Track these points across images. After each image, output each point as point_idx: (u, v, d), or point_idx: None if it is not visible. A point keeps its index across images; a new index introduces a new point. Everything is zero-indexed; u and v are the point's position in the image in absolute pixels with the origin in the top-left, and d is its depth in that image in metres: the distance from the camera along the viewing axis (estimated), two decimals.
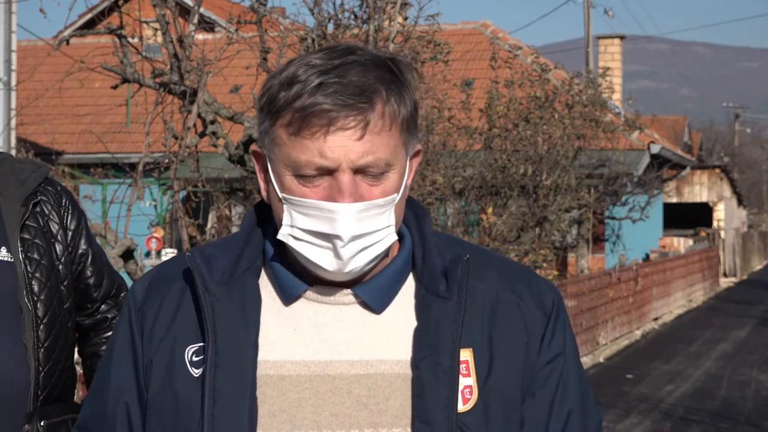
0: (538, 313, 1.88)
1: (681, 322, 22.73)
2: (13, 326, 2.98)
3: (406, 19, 10.27)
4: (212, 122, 9.15)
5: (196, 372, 1.81)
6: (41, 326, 3.00)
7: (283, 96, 1.76)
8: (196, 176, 9.13)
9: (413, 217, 1.90)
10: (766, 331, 20.57)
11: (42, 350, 2.98)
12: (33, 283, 3.02)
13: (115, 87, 9.58)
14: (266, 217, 1.90)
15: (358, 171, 1.75)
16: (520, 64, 17.17)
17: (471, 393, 1.80)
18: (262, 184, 1.87)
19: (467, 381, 1.80)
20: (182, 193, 9.40)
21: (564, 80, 16.79)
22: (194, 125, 8.78)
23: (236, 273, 1.85)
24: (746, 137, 75.83)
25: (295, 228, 1.78)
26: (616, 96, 25.99)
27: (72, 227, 3.20)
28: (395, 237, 1.81)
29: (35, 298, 3.01)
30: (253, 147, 1.87)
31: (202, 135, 9.20)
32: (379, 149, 1.75)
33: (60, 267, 3.13)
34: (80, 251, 3.21)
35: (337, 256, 1.76)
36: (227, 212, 11.77)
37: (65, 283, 3.14)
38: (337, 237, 1.74)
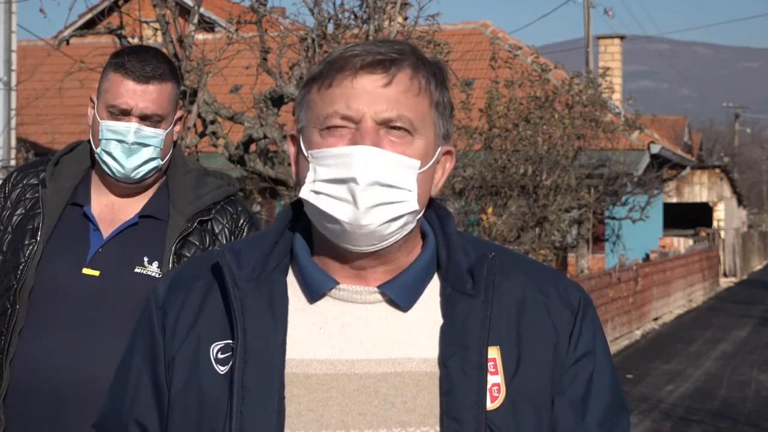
0: (565, 312, 1.88)
1: (681, 322, 22.73)
2: None
3: (406, 19, 10.27)
4: (212, 122, 9.16)
5: (221, 369, 1.80)
6: None
7: (322, 66, 1.82)
8: None
9: (436, 217, 1.90)
10: (766, 331, 20.57)
11: None
12: None
13: None
14: (299, 216, 1.90)
15: (383, 124, 1.77)
16: (520, 64, 17.16)
17: (499, 391, 1.80)
18: (294, 168, 1.87)
19: (495, 379, 1.80)
20: None
21: (564, 80, 16.79)
22: (194, 125, 8.78)
23: (265, 270, 1.84)
24: (746, 137, 75.81)
25: (316, 182, 1.78)
26: (616, 96, 25.99)
27: None
28: (416, 206, 1.79)
29: None
30: (289, 132, 1.89)
31: (202, 135, 9.20)
32: (405, 108, 1.78)
33: None
34: None
35: (354, 203, 1.74)
36: None
37: None
38: (353, 180, 1.74)
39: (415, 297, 1.84)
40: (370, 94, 1.76)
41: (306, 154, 1.80)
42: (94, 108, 3.10)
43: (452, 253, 1.86)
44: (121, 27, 9.04)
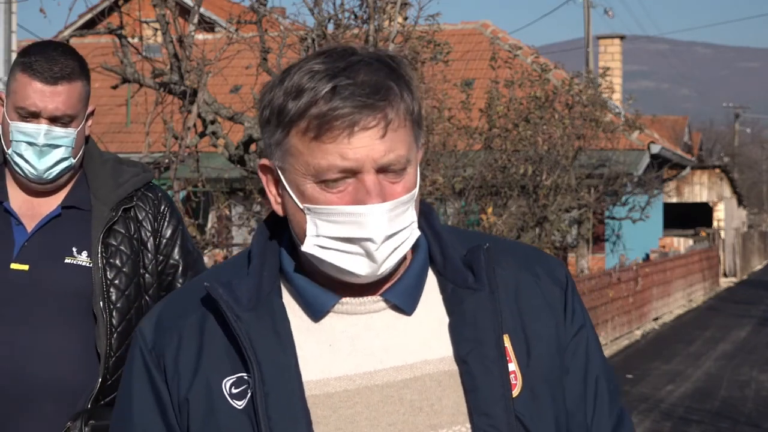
0: (556, 290, 1.89)
1: (681, 322, 22.73)
2: (87, 332, 2.95)
3: (406, 19, 10.27)
4: (212, 122, 9.16)
5: (238, 404, 1.75)
6: (114, 335, 2.96)
7: (294, 106, 1.71)
8: (196, 176, 9.14)
9: (421, 214, 1.87)
10: (766, 331, 20.57)
11: (113, 359, 2.95)
12: (111, 290, 2.98)
13: (115, 87, 9.59)
14: (277, 233, 1.85)
15: (380, 170, 1.72)
16: (520, 64, 17.17)
17: (516, 378, 1.80)
18: (272, 198, 1.82)
19: (510, 367, 1.80)
20: (182, 193, 9.41)
21: (564, 80, 16.80)
22: (194, 125, 8.79)
23: (260, 297, 1.79)
24: (746, 137, 75.82)
25: (321, 237, 1.73)
26: (616, 96, 25.98)
27: (166, 236, 3.15)
28: (418, 232, 1.79)
29: (111, 306, 2.97)
30: (262, 162, 1.81)
31: (202, 135, 9.21)
32: (399, 146, 1.73)
33: (146, 276, 3.09)
34: (171, 261, 3.15)
35: (372, 259, 1.73)
36: (227, 212, 11.77)
37: (150, 292, 3.09)
38: (369, 240, 1.71)
39: (417, 298, 1.82)
40: (367, 146, 1.71)
41: (300, 206, 1.74)
42: (3, 106, 3.04)
43: (445, 248, 1.85)
44: (121, 27, 9.05)
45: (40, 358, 2.90)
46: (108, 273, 2.98)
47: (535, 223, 15.06)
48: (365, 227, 1.71)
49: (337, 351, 1.79)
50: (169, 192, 8.95)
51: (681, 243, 29.88)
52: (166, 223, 3.15)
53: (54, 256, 2.98)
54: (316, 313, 1.80)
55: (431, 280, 1.85)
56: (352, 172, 1.71)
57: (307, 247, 1.75)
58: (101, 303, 2.95)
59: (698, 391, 13.58)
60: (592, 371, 1.90)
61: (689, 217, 38.02)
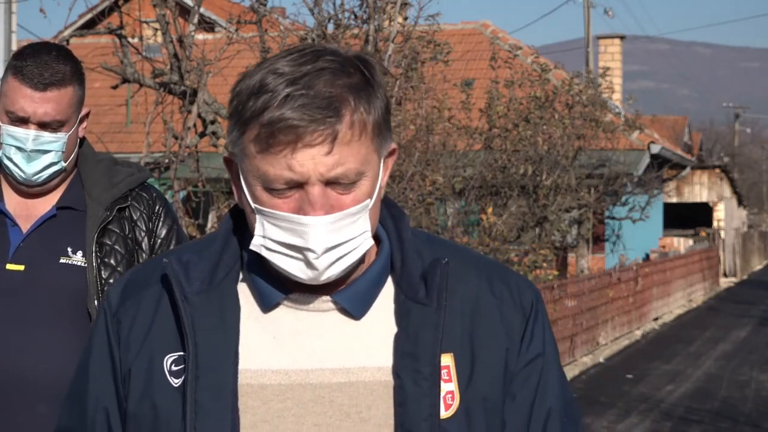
0: (518, 316, 1.86)
1: (681, 322, 22.73)
2: (82, 332, 2.95)
3: (406, 19, 10.28)
4: (212, 122, 9.16)
5: (175, 382, 1.79)
6: None
7: (251, 106, 1.72)
8: (196, 176, 9.14)
9: (391, 219, 1.87)
10: (766, 331, 20.58)
11: None
12: (105, 289, 2.98)
13: (115, 87, 9.60)
14: (243, 221, 1.87)
15: (329, 182, 1.72)
16: (520, 64, 17.18)
17: (453, 399, 1.79)
18: (235, 192, 1.84)
19: (449, 387, 1.79)
20: (182, 193, 9.41)
21: (564, 80, 16.80)
22: (194, 125, 8.79)
23: (215, 280, 1.82)
24: (746, 137, 75.85)
25: (267, 239, 1.75)
26: (616, 96, 25.99)
27: (161, 236, 3.15)
28: (371, 242, 1.78)
29: None
30: (225, 155, 1.84)
31: (202, 135, 9.22)
32: (349, 160, 1.72)
33: None
34: None
35: (311, 267, 1.74)
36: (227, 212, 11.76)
37: None
38: (309, 250, 1.72)
39: (368, 304, 1.82)
40: (312, 160, 1.71)
41: (252, 205, 1.76)
42: None
43: (406, 257, 1.84)
44: (121, 27, 9.05)
45: (36, 358, 2.92)
46: (102, 272, 2.99)
47: (535, 223, 15.07)
48: (305, 238, 1.72)
49: (279, 344, 1.80)
50: (169, 192, 8.96)
51: (681, 243, 29.88)
52: (161, 223, 3.16)
53: (49, 256, 2.99)
54: (266, 303, 1.82)
55: (389, 288, 1.84)
56: (298, 184, 1.72)
57: (255, 246, 1.77)
58: (96, 302, 2.96)
59: (698, 391, 13.59)
60: (543, 402, 1.86)
61: (689, 217, 38.03)
